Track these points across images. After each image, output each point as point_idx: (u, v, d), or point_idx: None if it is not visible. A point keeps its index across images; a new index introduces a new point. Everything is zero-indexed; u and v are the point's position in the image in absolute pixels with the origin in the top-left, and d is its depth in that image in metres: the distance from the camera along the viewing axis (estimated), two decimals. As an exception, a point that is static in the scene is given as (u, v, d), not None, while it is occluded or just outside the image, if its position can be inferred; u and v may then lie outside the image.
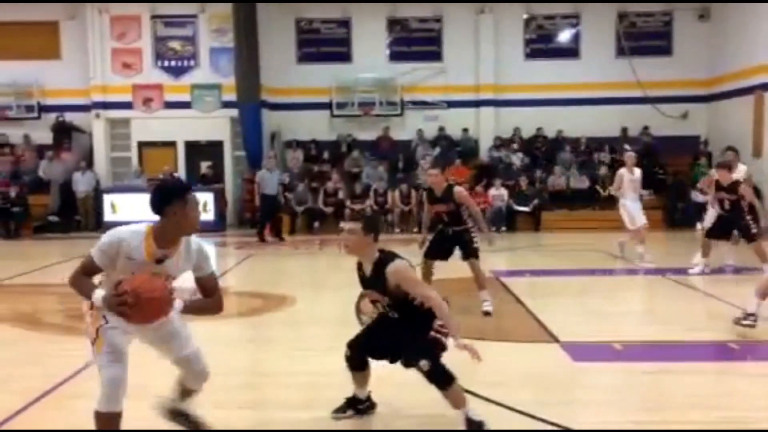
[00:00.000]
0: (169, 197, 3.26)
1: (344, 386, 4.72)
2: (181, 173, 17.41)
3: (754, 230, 8.59)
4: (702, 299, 7.75)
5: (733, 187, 8.73)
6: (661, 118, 17.56)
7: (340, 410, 4.19)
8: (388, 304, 3.91)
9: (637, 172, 10.48)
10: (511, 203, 15.89)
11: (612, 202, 16.22)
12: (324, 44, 18.56)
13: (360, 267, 4.03)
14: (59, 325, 6.94)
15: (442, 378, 3.66)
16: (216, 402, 4.44)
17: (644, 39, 18.04)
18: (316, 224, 16.01)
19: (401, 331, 3.88)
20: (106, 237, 3.26)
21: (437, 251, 7.25)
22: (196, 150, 18.10)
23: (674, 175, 16.84)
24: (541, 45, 18.51)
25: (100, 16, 17.66)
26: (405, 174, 17.17)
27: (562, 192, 16.65)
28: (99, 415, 3.24)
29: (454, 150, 17.52)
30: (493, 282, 7.51)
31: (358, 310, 4.35)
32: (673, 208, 16.06)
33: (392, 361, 3.99)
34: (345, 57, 18.47)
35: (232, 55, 17.06)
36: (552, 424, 3.91)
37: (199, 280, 3.49)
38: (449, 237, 7.07)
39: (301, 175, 17.09)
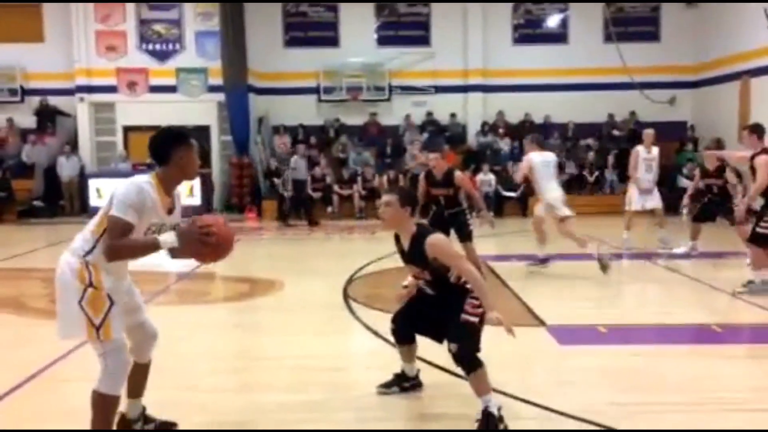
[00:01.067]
0: (176, 142, 3.27)
1: (334, 369, 4.76)
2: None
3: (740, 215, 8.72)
4: (687, 283, 7.83)
5: (719, 172, 8.93)
6: (648, 103, 17.62)
7: (386, 386, 4.20)
8: (427, 279, 3.91)
9: (655, 150, 10.03)
10: (499, 188, 15.93)
11: (599, 187, 16.47)
12: (311, 28, 18.42)
13: (398, 240, 4.00)
14: (44, 309, 6.88)
15: (470, 362, 3.64)
16: (204, 386, 4.45)
17: (632, 25, 18.06)
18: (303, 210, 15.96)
19: (436, 310, 3.88)
20: (126, 191, 3.11)
21: None
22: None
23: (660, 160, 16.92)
24: (529, 30, 18.49)
25: (83, -2, 17.41)
26: (393, 159, 17.15)
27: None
28: (105, 398, 3.18)
29: (442, 135, 17.50)
30: (481, 266, 7.56)
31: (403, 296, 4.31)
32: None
33: (435, 340, 3.96)
34: (333, 41, 18.35)
35: (218, 39, 16.90)
36: (536, 405, 3.95)
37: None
38: (446, 219, 7.14)
39: (289, 160, 17.00)
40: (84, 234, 3.29)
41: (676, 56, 17.90)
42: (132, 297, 3.47)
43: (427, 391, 4.26)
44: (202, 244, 3.08)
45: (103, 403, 3.19)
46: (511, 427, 3.65)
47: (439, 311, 3.88)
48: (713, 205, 8.99)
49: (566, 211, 8.37)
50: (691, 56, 17.94)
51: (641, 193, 9.92)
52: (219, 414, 3.95)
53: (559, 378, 4.58)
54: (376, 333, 5.48)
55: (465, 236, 7.19)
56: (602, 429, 3.65)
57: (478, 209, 7.71)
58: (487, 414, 3.59)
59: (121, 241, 3.07)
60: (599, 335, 5.52)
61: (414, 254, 3.84)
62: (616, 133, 17.67)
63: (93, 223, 3.28)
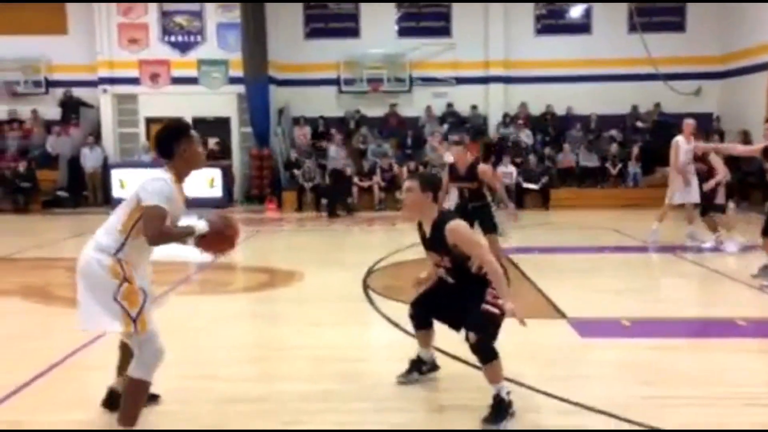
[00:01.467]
0: (176, 136, 3.41)
1: (353, 360, 4.76)
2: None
3: (718, 201, 8.99)
4: (712, 277, 7.70)
5: (705, 157, 9.04)
6: (673, 95, 17.34)
7: (406, 374, 4.22)
8: (447, 267, 3.90)
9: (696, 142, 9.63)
10: (520, 181, 15.82)
11: (622, 179, 16.27)
12: (332, 20, 18.39)
13: (420, 227, 4.01)
14: (70, 298, 6.97)
15: (487, 352, 3.65)
16: (223, 375, 4.48)
17: (657, 14, 17.75)
18: (324, 201, 15.99)
19: (456, 299, 3.90)
20: (157, 185, 3.29)
21: None
22: (203, 126, 17.96)
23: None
24: (552, 21, 18.28)
25: (106, -9, 17.55)
26: (413, 151, 17.10)
27: (571, 170, 16.56)
28: (140, 384, 3.34)
29: (463, 127, 17.41)
30: (502, 259, 7.52)
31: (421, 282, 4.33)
32: None
33: (453, 328, 3.99)
34: (353, 32, 18.31)
35: (239, 30, 16.94)
36: (557, 397, 3.92)
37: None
38: (469, 212, 7.09)
39: (309, 151, 17.04)
40: (108, 230, 3.39)
41: (702, 46, 17.58)
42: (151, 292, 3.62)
43: (447, 382, 4.25)
44: (225, 236, 3.37)
45: (135, 389, 3.34)
46: (531, 420, 3.63)
47: (458, 299, 3.87)
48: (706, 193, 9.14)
49: None
50: (717, 46, 17.61)
51: (685, 186, 9.42)
52: (238, 403, 3.97)
53: (581, 371, 4.53)
54: (395, 324, 5.46)
55: (489, 228, 7.12)
56: (624, 422, 3.60)
57: (501, 202, 7.66)
58: (499, 399, 3.63)
59: (164, 228, 3.26)
60: (622, 328, 5.45)
61: (435, 240, 3.84)
62: (639, 124, 17.43)
63: (119, 221, 3.38)
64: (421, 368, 4.24)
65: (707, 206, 9.26)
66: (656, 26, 17.51)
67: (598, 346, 5.02)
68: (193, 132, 3.48)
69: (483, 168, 7.20)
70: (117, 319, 3.29)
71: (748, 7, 16.23)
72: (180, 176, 3.44)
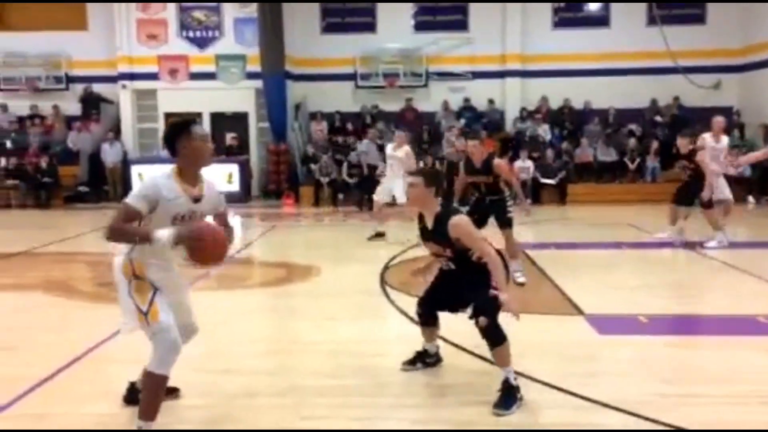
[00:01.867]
0: (174, 134, 3.43)
1: (370, 354, 4.79)
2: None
3: (706, 198, 8.75)
4: (733, 273, 7.62)
5: (690, 155, 8.84)
6: (693, 88, 17.16)
7: (410, 362, 4.40)
8: (448, 257, 4.05)
9: (725, 140, 9.54)
10: (537, 175, 15.74)
11: (640, 174, 16.12)
12: (349, 14, 18.39)
13: (421, 219, 4.16)
14: (91, 292, 7.10)
15: (496, 336, 3.80)
16: (240, 369, 4.53)
17: (676, 7, 17.55)
18: (341, 196, 16.04)
19: (462, 284, 4.06)
20: (143, 183, 3.38)
21: (474, 221, 7.26)
22: (221, 121, 18.17)
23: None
24: (570, 14, 18.14)
25: (125, -13, 17.70)
26: (429, 146, 17.08)
27: (588, 164, 16.45)
28: (155, 377, 3.35)
29: (480, 122, 17.35)
30: (519, 254, 7.49)
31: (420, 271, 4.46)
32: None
33: (452, 311, 4.16)
34: (370, 27, 18.31)
35: (256, 25, 17.00)
36: (573, 394, 3.92)
37: (220, 216, 3.70)
38: (485, 206, 7.09)
39: (326, 146, 17.10)
40: None
41: (722, 39, 17.35)
42: (179, 290, 3.66)
43: (466, 377, 4.26)
44: (192, 249, 3.27)
45: (151, 382, 3.37)
46: (548, 416, 3.65)
47: (463, 285, 4.03)
48: (688, 189, 8.94)
49: None
50: (737, 39, 17.38)
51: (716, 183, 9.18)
52: (256, 397, 4.02)
53: (598, 367, 4.53)
54: (412, 319, 5.47)
55: (505, 223, 7.11)
56: (642, 419, 3.60)
57: (516, 197, 7.64)
58: (508, 385, 3.77)
59: (119, 224, 3.29)
60: (640, 325, 5.43)
61: (436, 233, 4.01)
62: (658, 119, 17.26)
63: None
64: (426, 360, 4.41)
65: (681, 200, 9.14)
66: (676, 19, 17.32)
67: (616, 343, 5.00)
68: (194, 128, 3.45)
69: (498, 162, 7.17)
70: (133, 316, 3.39)
71: (770, -1, 15.99)
72: (184, 173, 3.44)
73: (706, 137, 9.36)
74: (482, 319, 3.76)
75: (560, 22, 18.11)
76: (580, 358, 4.67)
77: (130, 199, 3.30)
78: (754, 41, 16.86)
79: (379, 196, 10.08)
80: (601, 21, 18.03)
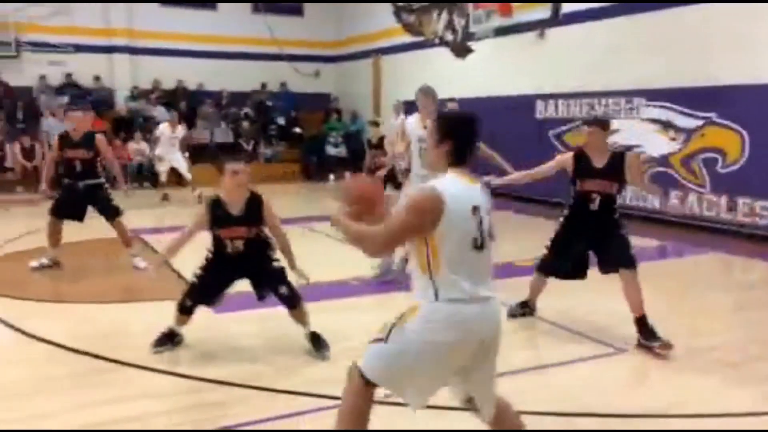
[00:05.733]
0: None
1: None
2: None
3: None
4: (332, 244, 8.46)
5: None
6: (298, 75, 18.62)
7: (159, 343, 4.47)
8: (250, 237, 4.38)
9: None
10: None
11: (255, 155, 16.88)
12: None
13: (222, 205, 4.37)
14: None
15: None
16: None
17: (276, -1, 18.62)
18: None
19: (247, 264, 4.41)
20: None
21: (68, 209, 6.67)
22: None
23: (310, 129, 18.13)
24: (177, -8, 17.83)
25: None
26: (27, 125, 15.06)
27: (205, 146, 16.53)
28: None
29: (87, 98, 15.93)
30: (132, 241, 7.18)
31: None
32: (308, 162, 17.27)
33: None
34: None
35: None
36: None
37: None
38: (81, 192, 6.57)
39: None
40: None
41: (320, 32, 19.17)
42: None
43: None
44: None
45: None
46: None
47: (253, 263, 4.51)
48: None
49: None
50: (333, 33, 19.40)
51: None
52: None
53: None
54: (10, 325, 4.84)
55: (111, 214, 6.75)
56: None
57: (116, 179, 7.33)
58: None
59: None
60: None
61: (249, 215, 4.48)
62: (269, 103, 18.23)
63: None
64: (175, 340, 4.53)
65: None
66: (278, 9, 18.40)
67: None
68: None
69: (100, 137, 6.84)
70: None
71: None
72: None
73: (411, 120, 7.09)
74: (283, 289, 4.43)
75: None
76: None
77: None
78: (345, 36, 19.07)
79: None
80: (207, 4, 18.07)
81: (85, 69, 16.51)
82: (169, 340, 4.50)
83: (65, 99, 15.56)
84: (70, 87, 16.22)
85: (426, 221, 2.46)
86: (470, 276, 2.49)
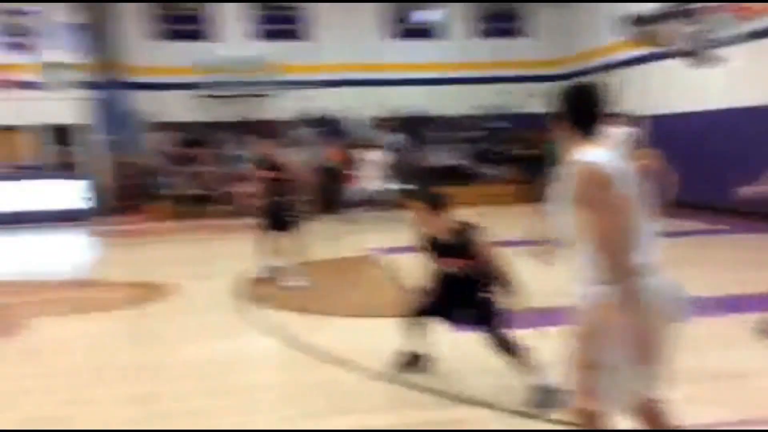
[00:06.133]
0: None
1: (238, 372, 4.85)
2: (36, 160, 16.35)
3: None
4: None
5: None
6: (517, 95, 18.35)
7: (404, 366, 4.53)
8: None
9: None
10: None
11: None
12: (187, 22, 17.77)
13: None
14: None
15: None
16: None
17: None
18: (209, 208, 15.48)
19: None
20: None
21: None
22: (55, 134, 16.90)
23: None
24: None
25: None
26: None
27: (432, 169, 16.93)
28: None
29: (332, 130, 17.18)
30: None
31: None
32: (532, 182, 16.86)
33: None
34: (207, 35, 17.85)
35: (84, 32, 16.01)
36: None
37: None
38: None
39: (177, 158, 16.42)
40: None
41: (543, 52, 18.94)
42: None
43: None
44: None
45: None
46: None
47: None
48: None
49: None
50: (555, 51, 19.00)
51: None
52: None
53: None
54: (269, 332, 5.60)
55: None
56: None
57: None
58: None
59: None
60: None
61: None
62: (491, 125, 18.31)
63: None
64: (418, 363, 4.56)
65: None
66: (501, 32, 18.72)
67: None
68: None
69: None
70: None
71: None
72: None
73: None
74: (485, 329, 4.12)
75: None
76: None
77: None
78: (576, 52, 18.64)
79: None
80: (441, 33, 18.81)
81: (327, 102, 17.85)
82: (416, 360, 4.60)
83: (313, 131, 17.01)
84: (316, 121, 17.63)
85: None
86: None
